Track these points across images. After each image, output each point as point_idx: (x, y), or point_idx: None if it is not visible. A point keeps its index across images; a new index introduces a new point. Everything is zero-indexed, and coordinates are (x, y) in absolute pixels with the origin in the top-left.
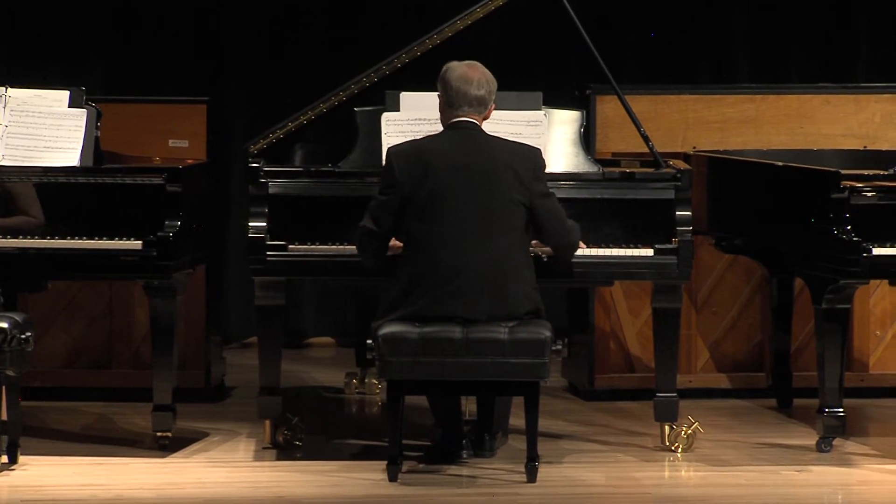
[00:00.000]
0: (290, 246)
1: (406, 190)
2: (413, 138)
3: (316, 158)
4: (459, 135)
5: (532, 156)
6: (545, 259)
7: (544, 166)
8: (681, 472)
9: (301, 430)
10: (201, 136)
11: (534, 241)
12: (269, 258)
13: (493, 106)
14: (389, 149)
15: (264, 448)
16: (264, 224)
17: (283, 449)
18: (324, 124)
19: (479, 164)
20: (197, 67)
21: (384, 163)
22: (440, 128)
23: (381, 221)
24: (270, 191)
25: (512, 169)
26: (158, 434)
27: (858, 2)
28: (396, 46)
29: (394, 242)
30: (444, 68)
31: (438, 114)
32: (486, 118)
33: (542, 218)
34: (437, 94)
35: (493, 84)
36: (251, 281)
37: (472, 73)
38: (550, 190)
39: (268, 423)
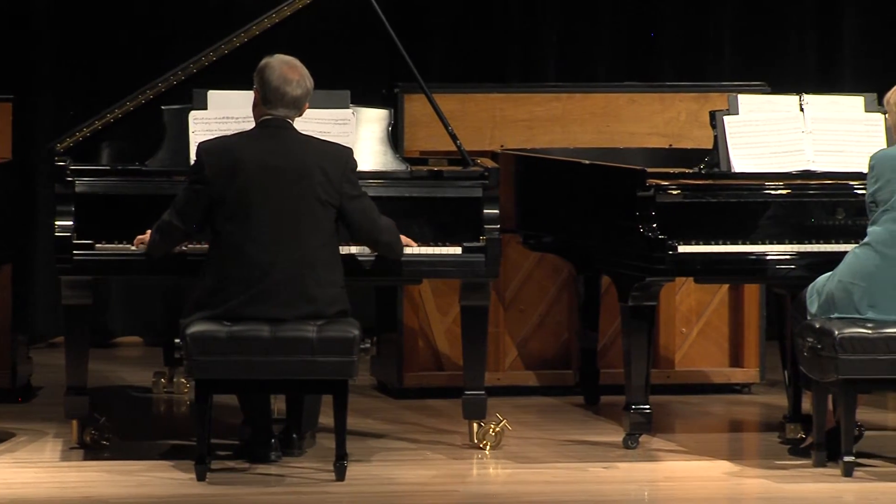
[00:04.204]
0: (97, 245)
1: (215, 189)
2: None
3: (123, 157)
4: (271, 133)
5: (343, 156)
6: (360, 258)
7: (355, 167)
8: (489, 470)
9: (108, 429)
10: (6, 134)
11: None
12: (75, 257)
13: (308, 105)
14: (199, 145)
15: (71, 448)
16: (71, 223)
17: (91, 449)
18: (131, 123)
19: (289, 164)
20: (1, 64)
21: (193, 159)
22: (248, 126)
23: (186, 217)
24: (77, 189)
25: (321, 169)
26: None
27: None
28: (204, 44)
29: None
30: (264, 63)
31: (247, 111)
32: (300, 115)
33: (351, 219)
34: (246, 91)
35: (311, 83)
36: (58, 280)
37: (291, 74)
38: (363, 191)
39: (75, 422)
